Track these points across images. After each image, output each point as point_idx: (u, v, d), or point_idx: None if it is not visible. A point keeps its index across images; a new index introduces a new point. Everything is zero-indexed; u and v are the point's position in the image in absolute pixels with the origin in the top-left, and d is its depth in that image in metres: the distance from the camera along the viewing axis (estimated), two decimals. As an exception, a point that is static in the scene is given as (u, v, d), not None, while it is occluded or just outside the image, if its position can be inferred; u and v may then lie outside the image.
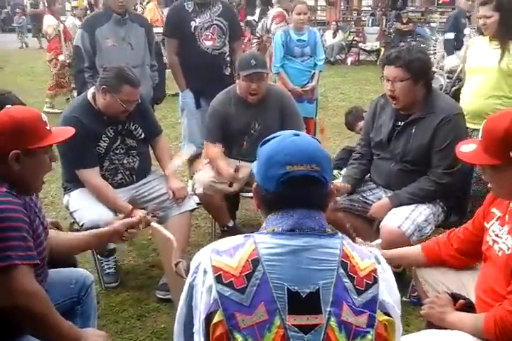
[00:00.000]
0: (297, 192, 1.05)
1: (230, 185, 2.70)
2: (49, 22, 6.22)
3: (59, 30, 6.36)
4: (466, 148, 1.52)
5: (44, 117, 1.49)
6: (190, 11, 3.32)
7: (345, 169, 2.63)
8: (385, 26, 12.29)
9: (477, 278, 1.63)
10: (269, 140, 1.12)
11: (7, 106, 1.50)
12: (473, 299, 1.60)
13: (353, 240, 1.71)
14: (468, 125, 2.46)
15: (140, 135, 2.58)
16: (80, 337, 1.38)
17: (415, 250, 1.86)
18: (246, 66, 2.68)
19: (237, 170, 2.70)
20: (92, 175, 2.43)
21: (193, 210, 2.66)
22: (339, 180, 2.60)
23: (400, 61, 2.19)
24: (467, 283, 1.70)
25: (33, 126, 1.43)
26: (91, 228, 2.11)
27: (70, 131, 1.61)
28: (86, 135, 2.35)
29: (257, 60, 2.70)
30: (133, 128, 2.55)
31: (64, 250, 1.70)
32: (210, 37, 3.34)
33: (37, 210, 1.52)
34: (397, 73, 2.20)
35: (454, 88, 4.04)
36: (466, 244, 1.71)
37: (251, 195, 2.84)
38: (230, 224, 2.99)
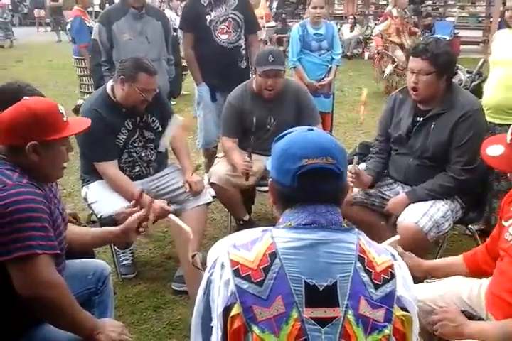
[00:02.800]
0: (313, 186, 1.05)
1: (247, 179, 2.69)
2: None
3: None
4: (493, 151, 1.46)
5: (61, 108, 1.48)
6: (205, 4, 3.31)
7: (362, 164, 2.61)
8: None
9: (493, 276, 1.59)
10: (283, 136, 1.12)
11: (24, 97, 1.50)
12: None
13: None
14: (490, 120, 2.39)
15: (158, 127, 2.60)
16: (97, 327, 1.40)
17: (457, 260, 1.79)
18: (263, 62, 2.68)
19: (248, 161, 2.66)
20: (109, 166, 2.45)
21: (209, 204, 2.68)
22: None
23: (428, 54, 2.15)
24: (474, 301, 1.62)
25: (50, 118, 1.43)
26: (109, 219, 2.13)
27: (86, 122, 1.60)
28: (105, 128, 2.39)
29: (275, 56, 2.68)
30: (151, 120, 2.57)
31: (76, 245, 1.69)
32: (225, 30, 3.33)
33: (56, 201, 1.53)
34: (423, 66, 2.17)
35: (473, 83, 3.98)
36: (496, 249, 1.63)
37: (267, 189, 2.86)
38: (246, 218, 3.00)
